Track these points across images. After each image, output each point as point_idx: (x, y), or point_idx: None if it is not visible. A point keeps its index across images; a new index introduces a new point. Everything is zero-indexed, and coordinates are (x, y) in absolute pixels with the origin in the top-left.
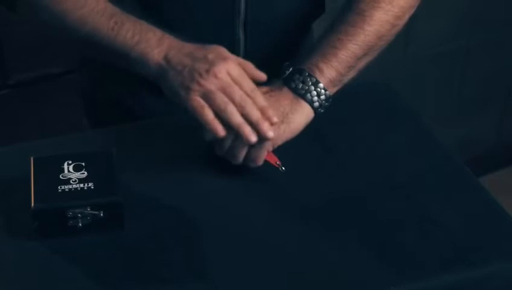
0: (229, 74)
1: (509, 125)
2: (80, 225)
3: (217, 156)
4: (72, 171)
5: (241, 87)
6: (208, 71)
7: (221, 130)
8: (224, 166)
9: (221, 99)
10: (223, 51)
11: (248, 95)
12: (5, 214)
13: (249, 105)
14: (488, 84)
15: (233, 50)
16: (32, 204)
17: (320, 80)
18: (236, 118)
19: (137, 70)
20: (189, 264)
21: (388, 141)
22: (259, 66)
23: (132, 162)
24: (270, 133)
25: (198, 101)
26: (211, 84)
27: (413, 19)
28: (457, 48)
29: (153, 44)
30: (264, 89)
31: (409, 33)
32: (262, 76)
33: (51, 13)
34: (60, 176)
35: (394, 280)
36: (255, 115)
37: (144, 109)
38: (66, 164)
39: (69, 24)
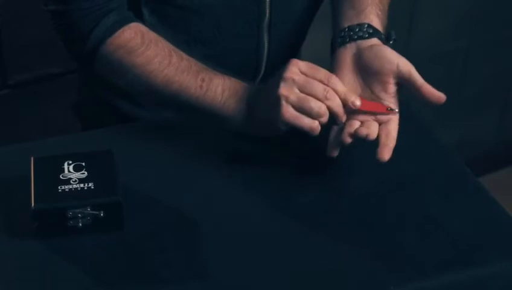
0: (300, 71)
1: (509, 125)
2: (80, 225)
3: (217, 157)
4: (72, 171)
5: (318, 80)
6: (284, 79)
7: (318, 128)
8: (225, 166)
9: (306, 104)
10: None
11: (327, 84)
12: (5, 214)
13: (331, 94)
14: (488, 84)
15: (258, 53)
16: (33, 204)
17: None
18: (324, 111)
19: (224, 124)
20: (189, 264)
21: None
22: (279, 66)
23: (132, 162)
24: (358, 102)
25: (290, 113)
26: (291, 91)
27: (413, 19)
28: (457, 48)
29: (242, 96)
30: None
31: (409, 33)
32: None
33: (135, 74)
34: (60, 176)
35: (394, 280)
36: (338, 102)
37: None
38: (66, 164)
39: (154, 84)
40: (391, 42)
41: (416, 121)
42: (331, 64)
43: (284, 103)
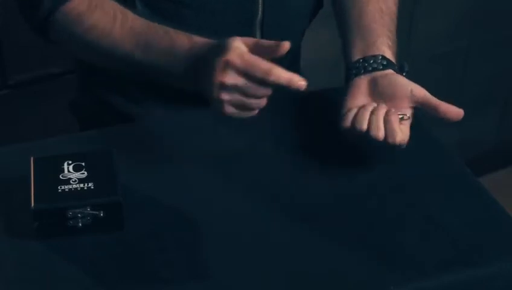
0: (239, 70)
1: (509, 125)
2: (80, 225)
3: (217, 156)
4: (72, 171)
5: (259, 77)
6: (222, 84)
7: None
8: (225, 165)
9: (247, 103)
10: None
11: (270, 77)
12: (5, 214)
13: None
14: (488, 84)
15: None
16: (32, 204)
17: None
18: (264, 103)
19: (170, 79)
20: (189, 264)
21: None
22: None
23: (132, 162)
24: (304, 83)
25: (231, 111)
26: (231, 96)
27: (413, 20)
28: (457, 48)
29: (186, 46)
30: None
31: (409, 33)
32: (284, 45)
33: (84, 41)
34: (60, 176)
35: (394, 280)
36: (284, 77)
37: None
38: (66, 164)
39: (101, 50)
40: (404, 74)
41: (416, 121)
42: (345, 91)
43: (225, 105)
